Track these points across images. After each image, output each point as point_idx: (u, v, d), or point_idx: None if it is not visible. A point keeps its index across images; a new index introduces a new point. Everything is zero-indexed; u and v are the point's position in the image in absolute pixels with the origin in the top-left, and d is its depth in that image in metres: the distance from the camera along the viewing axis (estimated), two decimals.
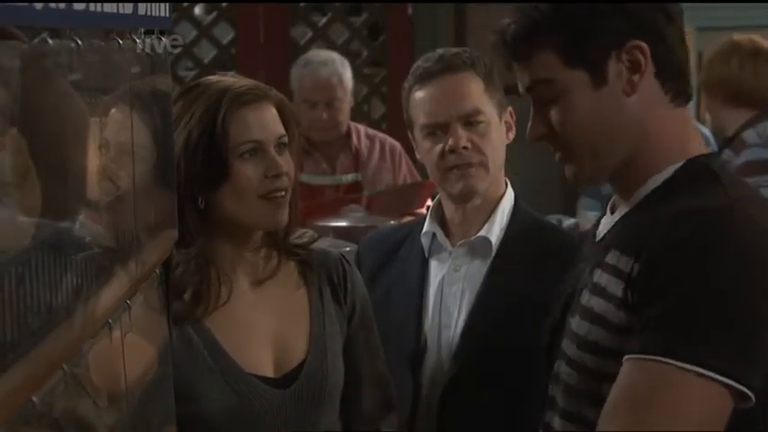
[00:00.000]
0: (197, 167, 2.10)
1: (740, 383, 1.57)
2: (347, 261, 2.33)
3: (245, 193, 2.12)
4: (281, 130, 2.18)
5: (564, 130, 1.76)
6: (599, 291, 1.72)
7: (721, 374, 1.56)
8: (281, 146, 2.17)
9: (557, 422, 1.80)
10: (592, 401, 1.71)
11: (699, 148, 1.79)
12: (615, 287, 1.68)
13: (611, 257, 1.71)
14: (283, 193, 2.15)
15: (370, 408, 2.31)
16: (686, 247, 1.62)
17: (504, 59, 1.84)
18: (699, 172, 1.73)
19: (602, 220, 1.86)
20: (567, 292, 1.85)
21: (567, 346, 1.78)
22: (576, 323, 1.76)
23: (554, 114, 1.76)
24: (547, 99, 1.77)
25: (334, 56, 4.63)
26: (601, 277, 1.72)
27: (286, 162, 2.17)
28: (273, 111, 2.18)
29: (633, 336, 1.63)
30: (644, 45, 1.73)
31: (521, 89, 1.83)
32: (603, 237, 1.81)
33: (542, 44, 1.75)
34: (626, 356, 1.62)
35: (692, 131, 1.82)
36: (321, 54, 4.75)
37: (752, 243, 1.63)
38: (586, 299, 1.75)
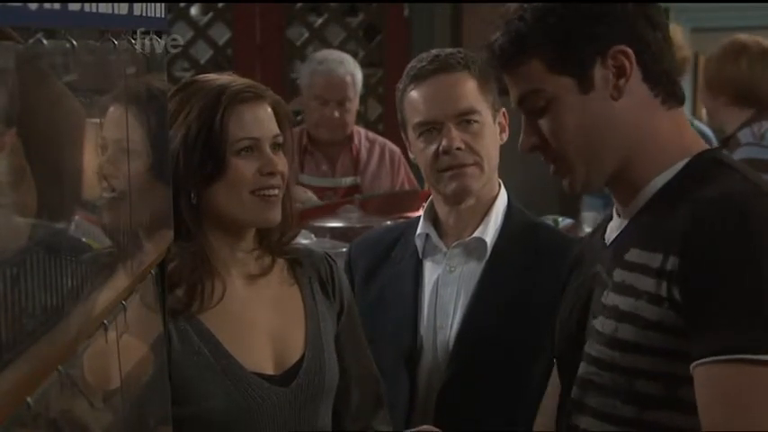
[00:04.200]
0: (194, 162, 2.11)
1: None
2: (332, 259, 2.34)
3: (237, 188, 2.13)
4: (276, 129, 2.19)
5: (556, 138, 1.78)
6: (624, 289, 1.72)
7: None
8: (276, 145, 2.18)
9: (587, 422, 1.79)
10: (626, 399, 1.72)
11: (700, 146, 1.81)
12: (644, 283, 1.69)
13: (633, 256, 1.72)
14: (276, 191, 2.16)
15: (361, 404, 2.31)
16: (725, 236, 1.62)
17: (496, 73, 1.86)
18: (710, 165, 1.75)
19: (610, 224, 1.87)
20: (579, 298, 1.85)
21: (592, 347, 1.78)
22: (600, 323, 1.76)
23: (544, 124, 1.79)
24: (537, 109, 1.79)
25: (348, 57, 4.65)
26: (624, 276, 1.73)
27: (281, 162, 2.17)
28: (270, 110, 2.19)
29: (694, 337, 1.62)
30: (628, 50, 1.75)
31: (513, 103, 1.85)
32: (615, 239, 1.82)
33: (529, 54, 1.77)
34: (699, 361, 1.60)
35: (689, 130, 1.83)
36: (335, 54, 4.76)
37: None
38: (610, 298, 1.75)
